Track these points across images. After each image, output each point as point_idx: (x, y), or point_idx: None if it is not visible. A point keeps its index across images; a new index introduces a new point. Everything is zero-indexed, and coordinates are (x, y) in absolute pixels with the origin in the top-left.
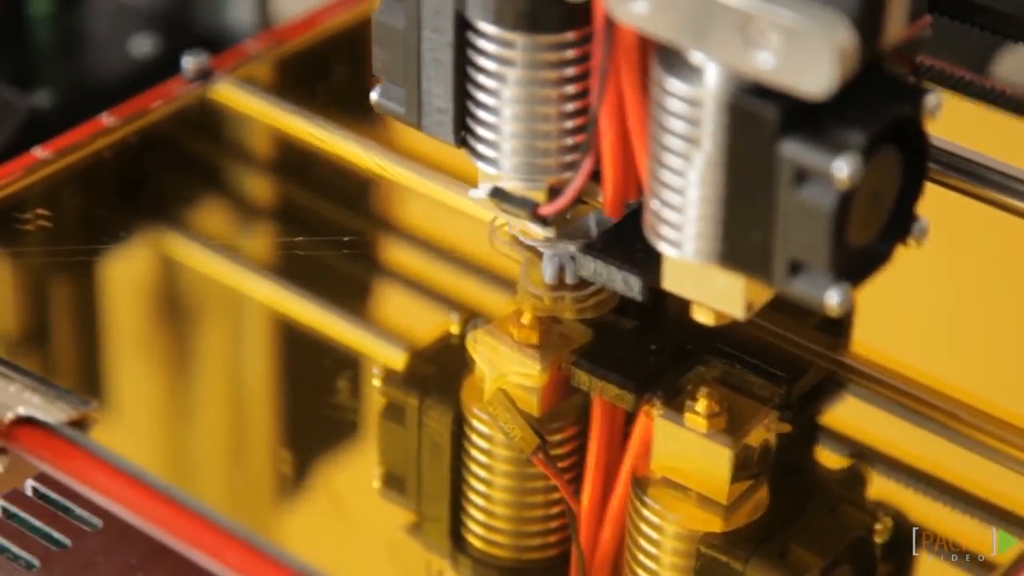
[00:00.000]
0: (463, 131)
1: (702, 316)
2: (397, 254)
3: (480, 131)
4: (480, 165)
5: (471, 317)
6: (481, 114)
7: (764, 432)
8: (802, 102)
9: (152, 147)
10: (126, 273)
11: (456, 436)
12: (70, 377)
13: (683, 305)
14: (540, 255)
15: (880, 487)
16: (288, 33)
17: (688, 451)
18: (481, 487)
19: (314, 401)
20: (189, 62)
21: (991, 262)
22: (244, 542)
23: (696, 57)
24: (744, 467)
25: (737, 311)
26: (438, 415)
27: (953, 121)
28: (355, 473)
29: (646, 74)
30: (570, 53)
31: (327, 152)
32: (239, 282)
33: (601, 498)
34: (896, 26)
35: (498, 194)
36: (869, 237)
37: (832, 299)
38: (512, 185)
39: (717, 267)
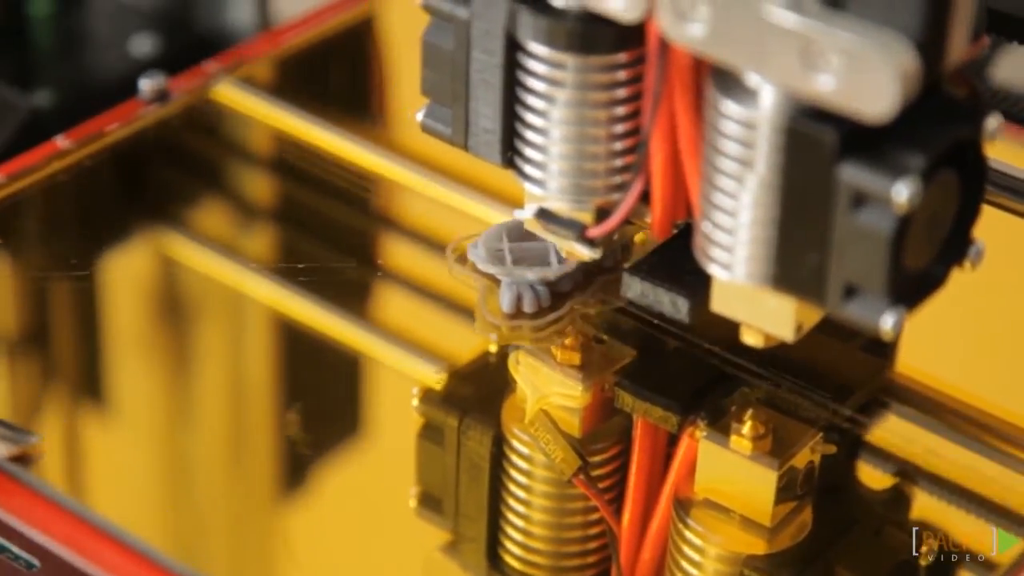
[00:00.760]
0: (510, 151)
1: (751, 338)
2: (398, 257)
3: (528, 152)
4: (527, 186)
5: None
6: (529, 135)
7: (809, 454)
8: (860, 125)
9: (144, 154)
10: (126, 273)
11: (495, 457)
12: (70, 378)
13: (729, 327)
14: (497, 283)
15: (926, 509)
16: (288, 33)
17: (732, 473)
18: (520, 508)
19: (319, 407)
20: (146, 84)
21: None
22: None
23: (752, 79)
24: (788, 489)
25: (787, 334)
26: (478, 435)
27: None
28: (390, 492)
29: (700, 96)
30: (621, 74)
31: (327, 152)
32: (239, 282)
33: (642, 519)
34: (958, 48)
35: (544, 215)
36: (925, 260)
37: (887, 323)
38: (559, 206)
39: (768, 289)
